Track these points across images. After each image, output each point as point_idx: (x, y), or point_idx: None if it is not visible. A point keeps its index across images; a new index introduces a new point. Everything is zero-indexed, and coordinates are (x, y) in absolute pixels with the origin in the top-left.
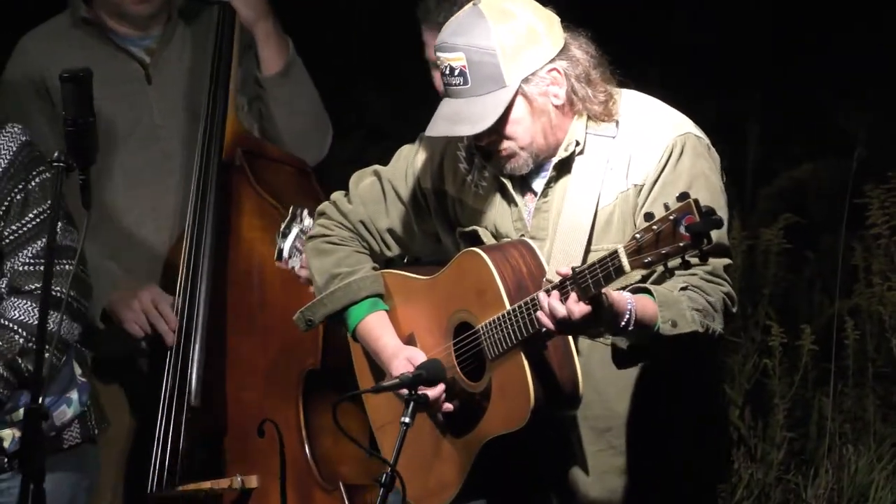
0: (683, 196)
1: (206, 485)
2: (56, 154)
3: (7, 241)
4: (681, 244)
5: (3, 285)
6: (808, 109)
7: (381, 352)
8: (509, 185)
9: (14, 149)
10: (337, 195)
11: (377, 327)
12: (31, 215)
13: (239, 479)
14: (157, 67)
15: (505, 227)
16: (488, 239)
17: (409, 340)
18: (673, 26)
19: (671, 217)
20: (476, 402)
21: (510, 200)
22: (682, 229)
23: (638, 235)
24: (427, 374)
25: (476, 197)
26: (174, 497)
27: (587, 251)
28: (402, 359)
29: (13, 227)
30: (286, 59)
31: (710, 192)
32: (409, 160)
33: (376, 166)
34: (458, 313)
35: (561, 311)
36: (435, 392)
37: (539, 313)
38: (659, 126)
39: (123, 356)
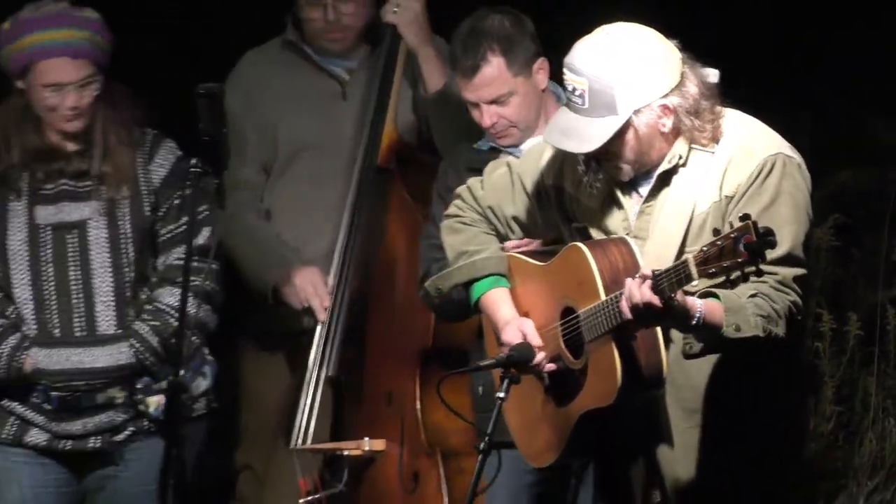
0: (745, 217)
1: (340, 444)
2: (193, 161)
3: (164, 238)
4: (739, 260)
5: (156, 276)
6: (848, 123)
7: (497, 321)
8: (618, 189)
9: (172, 160)
10: (473, 181)
11: (497, 301)
12: (185, 219)
13: (367, 441)
14: (352, 86)
15: (612, 225)
16: (597, 234)
17: (524, 314)
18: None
19: (732, 235)
20: (576, 377)
21: (618, 203)
22: (741, 247)
23: (705, 248)
24: (518, 355)
25: (590, 196)
26: (313, 450)
27: (680, 252)
28: (514, 327)
29: (169, 227)
30: (443, 80)
31: (793, 208)
32: (537, 157)
33: (510, 159)
34: (563, 299)
35: (640, 301)
36: (536, 360)
37: (622, 301)
38: (753, 145)
39: (289, 331)
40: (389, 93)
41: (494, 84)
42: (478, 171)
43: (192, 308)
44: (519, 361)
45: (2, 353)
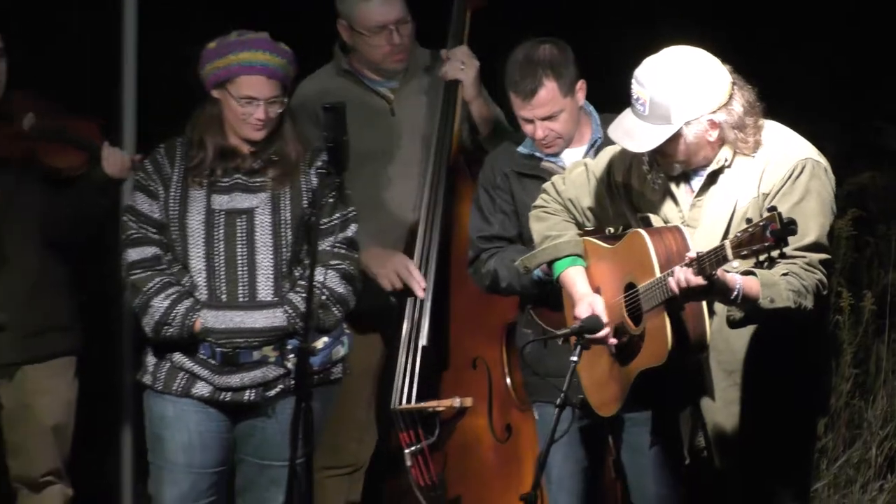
0: (772, 209)
1: (433, 403)
2: (319, 163)
3: (322, 227)
4: (766, 244)
5: (308, 258)
6: (866, 133)
7: (573, 295)
8: (675, 186)
9: (322, 167)
10: (556, 178)
11: (573, 277)
12: (337, 214)
13: (457, 399)
14: (398, 103)
15: (670, 215)
16: (657, 223)
17: (596, 290)
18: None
19: (761, 224)
20: (636, 341)
21: (674, 197)
22: (768, 233)
23: (739, 234)
24: (587, 325)
25: (652, 191)
26: (410, 410)
27: (724, 239)
28: (586, 303)
29: (324, 220)
30: (491, 126)
31: (820, 204)
32: (609, 158)
33: (587, 159)
34: (627, 275)
35: (683, 281)
36: (602, 334)
37: (669, 280)
38: (788, 151)
39: (378, 307)
40: (453, 114)
41: (548, 104)
42: (520, 172)
43: (338, 287)
44: (588, 331)
45: (177, 313)
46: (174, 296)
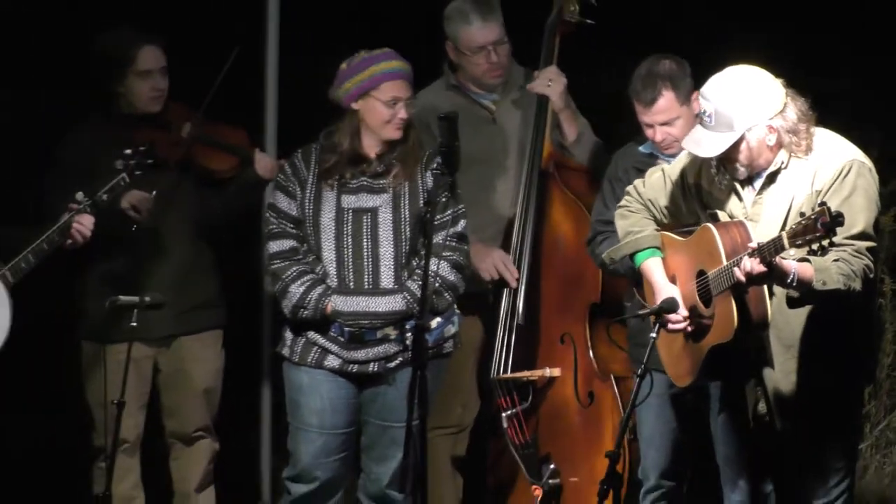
0: (822, 203)
1: (527, 373)
2: (434, 165)
3: (436, 223)
4: (817, 234)
5: (425, 250)
6: None
7: (653, 283)
8: (738, 185)
9: (437, 168)
10: (637, 181)
11: (652, 267)
12: (449, 211)
13: (547, 370)
14: (499, 114)
15: (735, 211)
16: (724, 218)
17: (672, 278)
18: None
19: (812, 216)
20: (706, 321)
21: (739, 196)
22: (818, 224)
23: (793, 226)
24: (665, 306)
25: (720, 191)
26: (507, 379)
27: (781, 231)
28: (666, 292)
29: (438, 217)
30: (578, 132)
31: (866, 200)
32: (683, 163)
33: (664, 164)
34: (698, 264)
35: (748, 268)
36: (678, 316)
37: (735, 269)
38: (837, 153)
39: (479, 292)
40: (545, 124)
41: (666, 112)
42: (638, 168)
43: (449, 275)
44: (666, 311)
45: (311, 298)
46: (308, 283)
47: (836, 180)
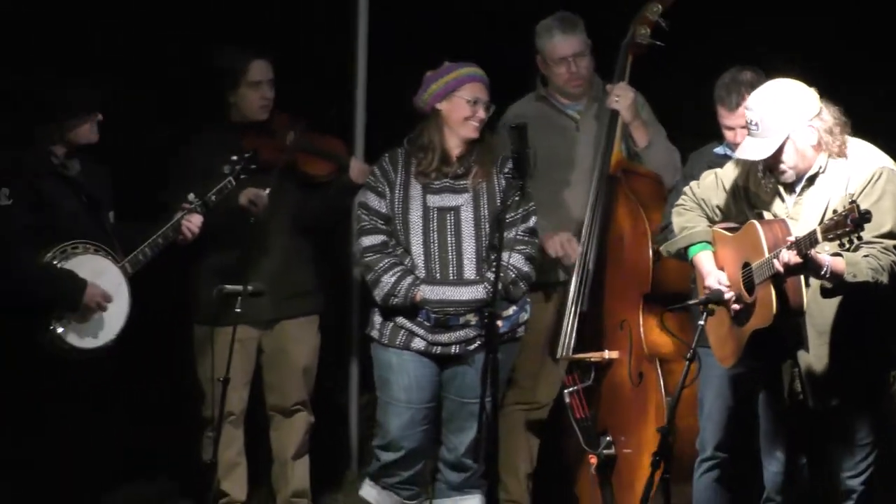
0: (852, 202)
1: (589, 354)
2: (506, 170)
3: (508, 220)
4: (847, 229)
5: (506, 244)
6: None
7: (703, 274)
8: (781, 188)
9: (508, 173)
10: (693, 182)
11: (703, 259)
12: (521, 209)
13: (607, 352)
14: (583, 122)
15: (778, 210)
16: (768, 216)
17: (721, 269)
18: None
19: (843, 213)
20: (749, 307)
21: (782, 197)
22: (848, 220)
23: (828, 221)
24: (712, 297)
25: (765, 192)
26: (571, 359)
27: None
28: (713, 278)
29: (510, 214)
30: (648, 139)
31: (893, 202)
32: (734, 168)
33: (717, 169)
34: (744, 256)
35: (785, 258)
36: (726, 298)
37: (774, 261)
38: (869, 160)
39: (551, 281)
40: (615, 134)
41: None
42: (710, 167)
43: (523, 267)
44: (713, 301)
45: (402, 286)
46: (399, 273)
47: (867, 185)
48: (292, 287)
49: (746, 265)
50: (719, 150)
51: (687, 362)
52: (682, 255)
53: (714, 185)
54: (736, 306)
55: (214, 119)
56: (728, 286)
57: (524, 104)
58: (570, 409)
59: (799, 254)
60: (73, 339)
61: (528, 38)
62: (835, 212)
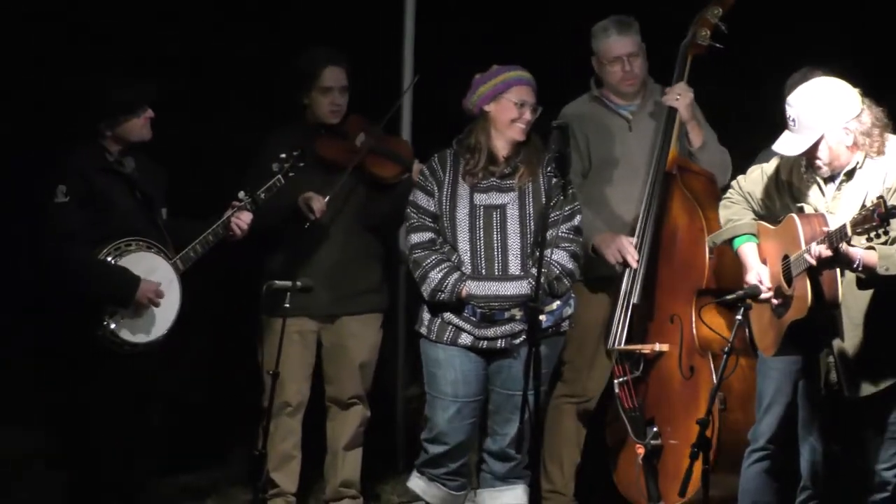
0: (879, 197)
1: (640, 346)
2: (549, 168)
3: (552, 218)
4: (874, 223)
5: (550, 241)
6: None
7: (746, 266)
8: (822, 182)
9: (550, 172)
10: (740, 177)
11: (747, 251)
12: (567, 207)
13: (657, 345)
14: (635, 123)
15: (818, 205)
16: (808, 210)
17: (763, 260)
18: None
19: (871, 209)
20: (788, 298)
21: (822, 191)
22: (875, 215)
23: (856, 215)
24: (749, 292)
25: (807, 187)
26: (622, 351)
27: None
28: (754, 272)
29: (556, 212)
30: (703, 139)
31: None
32: (778, 162)
33: (763, 164)
34: (784, 249)
35: (816, 252)
36: (764, 297)
37: (806, 255)
38: None
39: (605, 275)
40: (672, 132)
41: None
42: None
43: (567, 263)
44: (750, 297)
45: (449, 282)
46: (445, 269)
47: None
48: (354, 284)
49: (786, 257)
50: None
51: (725, 355)
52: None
53: (759, 179)
54: (775, 301)
55: (294, 119)
56: (768, 281)
57: (578, 105)
58: (618, 399)
59: (830, 247)
60: (126, 335)
61: (584, 40)
62: (863, 206)
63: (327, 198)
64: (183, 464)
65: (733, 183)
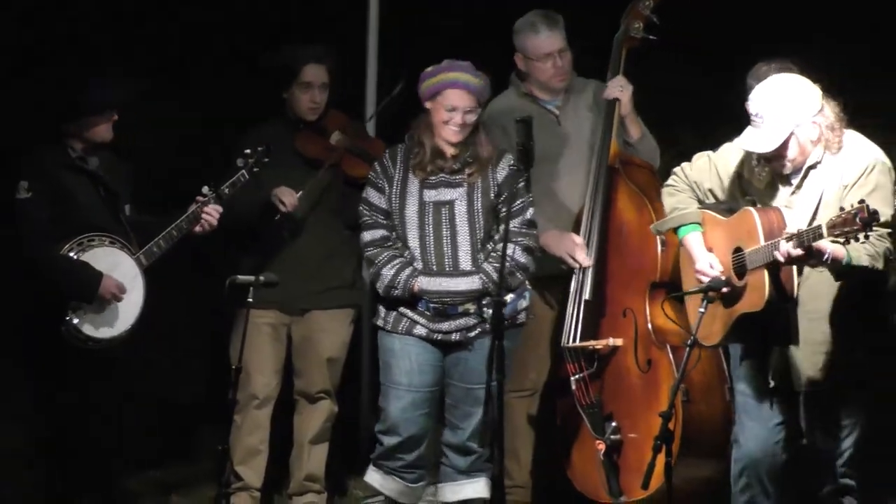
0: (861, 202)
1: (593, 342)
2: (511, 162)
3: (503, 213)
4: (855, 227)
5: (498, 236)
6: None
7: (694, 256)
8: (777, 178)
9: (508, 166)
10: (685, 164)
11: (693, 240)
12: (518, 201)
13: (611, 340)
14: (563, 117)
15: (775, 200)
16: (761, 204)
17: (709, 250)
18: None
19: (853, 212)
20: (739, 290)
21: (777, 186)
22: (857, 219)
23: (834, 217)
24: (713, 285)
25: (758, 181)
26: (575, 348)
27: (812, 219)
28: (705, 262)
29: (510, 205)
30: (641, 131)
31: (885, 193)
32: (727, 153)
33: (709, 151)
34: (736, 241)
35: (786, 253)
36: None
37: (776, 252)
38: (862, 153)
39: (554, 274)
40: (612, 126)
41: None
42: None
43: (521, 258)
44: (714, 289)
45: (401, 279)
46: (398, 266)
47: (861, 176)
48: (326, 280)
49: (738, 250)
50: None
51: (689, 348)
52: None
53: (707, 168)
54: (724, 289)
55: (276, 114)
56: (719, 269)
57: (507, 100)
58: (575, 396)
59: (800, 246)
60: (89, 330)
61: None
62: (842, 209)
63: (300, 192)
64: (149, 459)
65: (677, 170)
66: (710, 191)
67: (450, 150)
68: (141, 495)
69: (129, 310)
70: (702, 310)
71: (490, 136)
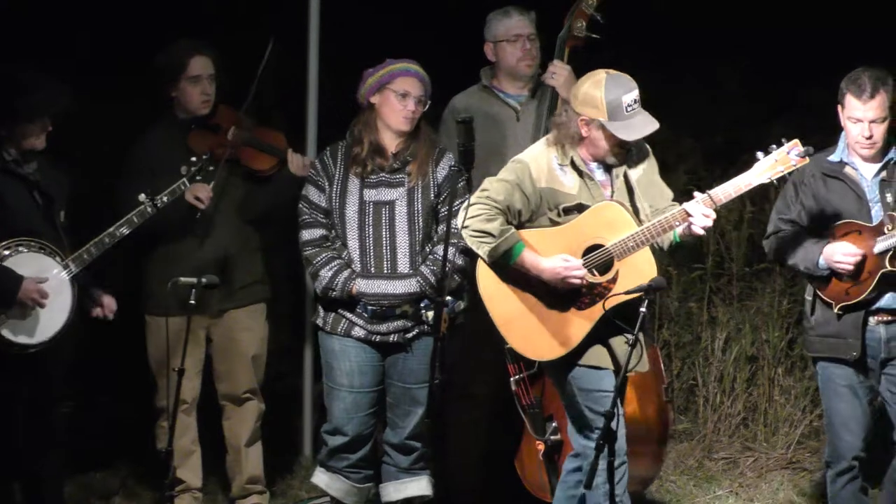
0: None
1: None
2: (452, 162)
3: (442, 214)
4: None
5: (436, 237)
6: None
7: (539, 265)
8: (587, 179)
9: (448, 166)
10: (489, 192)
11: (528, 254)
12: (457, 202)
13: None
14: (523, 113)
15: (590, 199)
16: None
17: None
18: None
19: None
20: (602, 288)
21: (589, 186)
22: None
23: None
24: (655, 284)
25: (569, 186)
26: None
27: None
28: (557, 259)
29: (446, 207)
30: None
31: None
32: (525, 170)
33: (504, 177)
34: (587, 241)
35: (706, 212)
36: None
37: (690, 218)
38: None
39: None
40: (554, 107)
41: (879, 109)
42: (826, 174)
43: (458, 260)
44: (656, 289)
45: (339, 280)
46: (336, 267)
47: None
48: (239, 277)
49: (597, 247)
50: (833, 157)
51: (630, 348)
52: (505, 257)
53: (512, 190)
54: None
55: (162, 117)
56: (578, 261)
57: (467, 95)
58: (516, 397)
59: (712, 206)
60: (8, 335)
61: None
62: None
63: (212, 184)
64: (90, 463)
65: (482, 198)
66: (520, 212)
67: (391, 147)
68: (84, 499)
69: (54, 317)
70: (643, 310)
71: (448, 131)
